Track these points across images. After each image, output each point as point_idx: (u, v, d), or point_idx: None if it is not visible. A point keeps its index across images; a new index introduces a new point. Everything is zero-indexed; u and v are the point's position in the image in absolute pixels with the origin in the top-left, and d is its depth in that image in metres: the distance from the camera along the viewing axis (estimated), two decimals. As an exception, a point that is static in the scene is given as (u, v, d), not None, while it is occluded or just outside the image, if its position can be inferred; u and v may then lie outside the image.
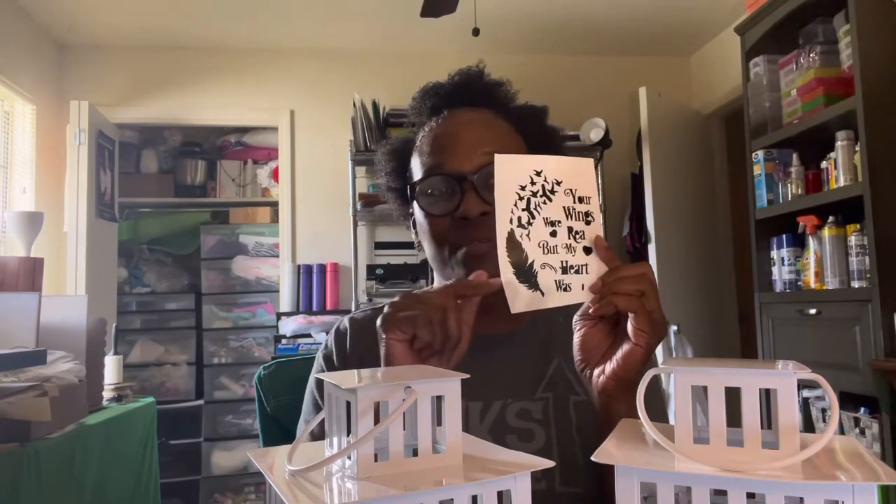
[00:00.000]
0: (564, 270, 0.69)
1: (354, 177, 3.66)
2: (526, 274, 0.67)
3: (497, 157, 0.68)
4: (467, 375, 0.48)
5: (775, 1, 2.59)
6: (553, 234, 0.69)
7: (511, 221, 0.67)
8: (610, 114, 3.79)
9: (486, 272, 0.71)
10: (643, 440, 0.50)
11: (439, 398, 0.47)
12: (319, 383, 0.90)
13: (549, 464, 0.45)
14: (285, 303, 3.76)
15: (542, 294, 0.68)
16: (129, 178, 4.12)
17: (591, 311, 0.71)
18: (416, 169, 0.93)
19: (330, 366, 0.93)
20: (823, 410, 2.46)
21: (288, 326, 3.48)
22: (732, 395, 0.46)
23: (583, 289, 0.70)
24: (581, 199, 0.71)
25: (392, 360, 0.70)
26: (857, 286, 2.24)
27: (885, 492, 1.96)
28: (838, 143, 2.31)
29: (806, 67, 2.47)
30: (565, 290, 0.69)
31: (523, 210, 0.68)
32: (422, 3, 2.77)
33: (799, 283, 2.53)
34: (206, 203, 4.34)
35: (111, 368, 2.34)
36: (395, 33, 3.78)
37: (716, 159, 3.96)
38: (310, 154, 3.92)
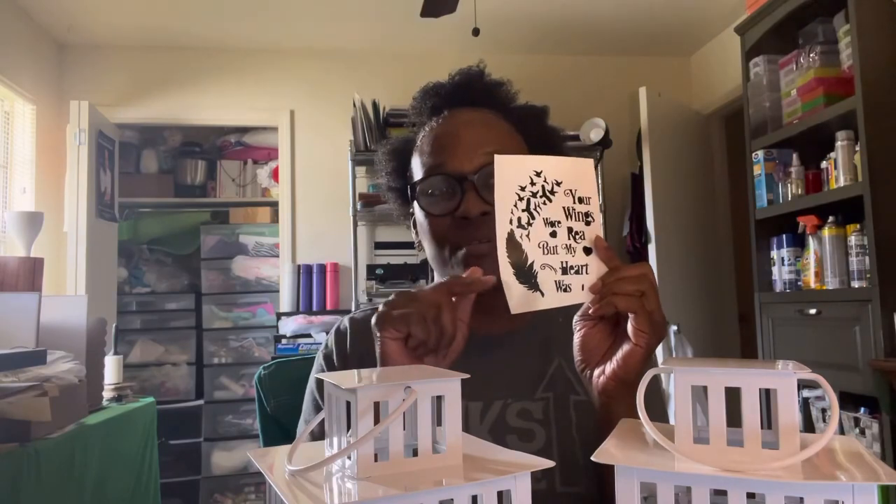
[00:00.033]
0: (564, 271, 0.69)
1: (354, 177, 3.66)
2: (526, 274, 0.67)
3: (497, 157, 0.68)
4: (467, 375, 0.48)
5: (775, 1, 2.59)
6: (553, 234, 0.69)
7: (511, 222, 0.67)
8: (610, 114, 3.79)
9: (480, 269, 0.72)
10: (643, 440, 0.50)
11: (439, 398, 0.47)
12: (320, 383, 0.90)
13: (549, 464, 0.45)
14: (285, 303, 3.76)
15: (542, 294, 0.68)
16: (129, 178, 4.12)
17: (591, 311, 0.71)
18: (417, 169, 0.93)
19: (330, 365, 0.93)
20: (823, 410, 2.46)
21: (288, 326, 3.48)
22: (732, 395, 0.46)
23: (583, 289, 0.70)
24: (581, 200, 0.71)
25: (387, 359, 0.70)
26: (857, 286, 2.24)
27: (885, 492, 1.96)
28: (838, 143, 2.31)
29: (806, 67, 2.47)
30: (565, 290, 0.69)
31: (523, 210, 0.68)
32: (422, 3, 2.77)
33: (799, 283, 2.53)
34: (206, 203, 4.34)
35: (111, 368, 2.34)
36: (395, 33, 3.78)
37: (716, 159, 3.96)
38: (310, 154, 3.92)
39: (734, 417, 0.45)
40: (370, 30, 3.74)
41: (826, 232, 2.36)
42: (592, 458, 0.45)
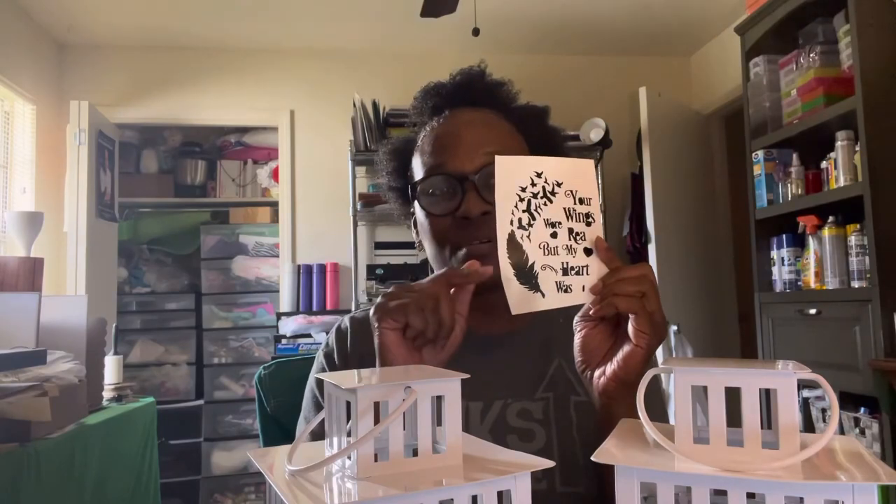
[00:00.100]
0: (565, 272, 0.69)
1: (354, 177, 3.66)
2: (526, 275, 0.67)
3: (497, 158, 0.68)
4: (467, 375, 0.48)
5: (775, 1, 2.59)
6: (553, 235, 0.69)
7: (512, 223, 0.67)
8: (610, 114, 3.79)
9: (478, 262, 0.72)
10: (643, 440, 0.50)
11: (439, 398, 0.47)
12: (320, 382, 0.90)
13: (550, 464, 0.45)
14: (285, 303, 3.76)
15: (543, 295, 0.68)
16: (129, 178, 4.12)
17: (591, 312, 0.71)
18: (418, 168, 0.93)
19: (331, 364, 0.93)
20: (823, 410, 2.46)
21: (288, 326, 3.48)
22: (732, 395, 0.46)
23: (583, 290, 0.70)
24: (581, 201, 0.71)
25: (385, 350, 0.70)
26: (857, 286, 2.24)
27: (885, 492, 1.96)
28: (838, 143, 2.31)
29: (806, 67, 2.47)
30: (566, 291, 0.69)
31: (524, 211, 0.68)
32: (422, 3, 2.77)
33: (799, 283, 2.53)
34: (206, 203, 4.34)
35: (111, 368, 2.34)
36: (395, 33, 3.78)
37: (716, 159, 3.96)
38: (310, 154, 3.92)
39: (734, 417, 0.45)
40: (370, 30, 3.74)
41: (826, 232, 2.36)
42: (592, 458, 0.45)
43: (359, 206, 3.60)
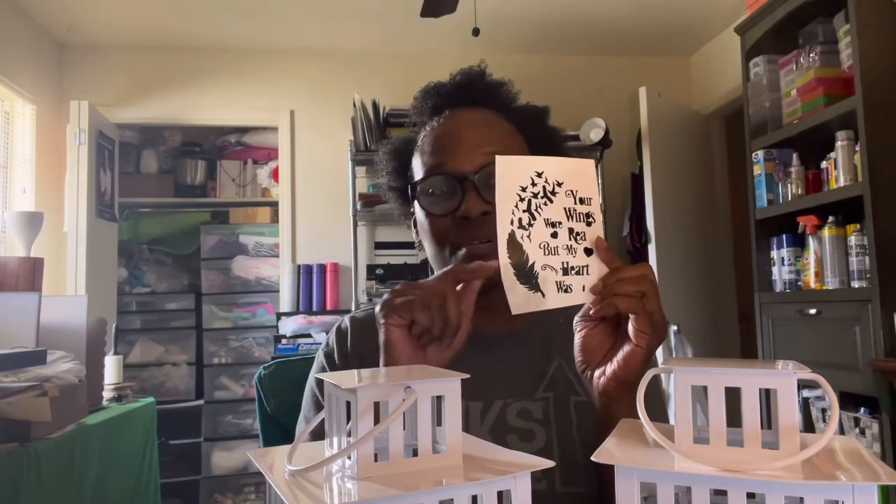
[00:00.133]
0: (565, 272, 0.69)
1: (354, 177, 3.66)
2: (527, 275, 0.67)
3: (498, 158, 0.68)
4: (467, 375, 0.48)
5: (775, 1, 2.59)
6: (554, 235, 0.69)
7: (512, 223, 0.67)
8: (610, 114, 3.79)
9: (481, 260, 0.72)
10: (643, 440, 0.50)
11: (439, 398, 0.47)
12: (320, 382, 0.90)
13: (550, 464, 0.45)
14: (285, 303, 3.76)
15: (543, 295, 0.68)
16: (129, 178, 4.12)
17: (591, 312, 0.71)
18: (418, 168, 0.93)
19: (331, 364, 0.93)
20: (823, 410, 2.46)
21: (288, 326, 3.48)
22: (732, 395, 0.46)
23: (583, 290, 0.70)
24: (582, 201, 0.71)
25: (390, 347, 0.70)
26: (857, 286, 2.24)
27: (885, 492, 1.96)
28: (838, 143, 2.31)
29: (806, 67, 2.47)
30: (566, 291, 0.69)
31: (524, 211, 0.68)
32: (422, 3, 2.77)
33: (799, 283, 2.53)
34: (206, 203, 4.34)
35: (111, 368, 2.34)
36: (395, 33, 3.78)
37: (716, 159, 3.96)
38: (310, 154, 3.92)
39: (734, 417, 0.45)
40: (370, 30, 3.74)
41: (826, 232, 2.36)
42: (592, 458, 0.45)
43: (359, 206, 3.60)
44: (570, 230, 0.70)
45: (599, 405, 0.74)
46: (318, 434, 0.51)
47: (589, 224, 0.71)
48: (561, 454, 0.84)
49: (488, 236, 0.83)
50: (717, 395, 0.46)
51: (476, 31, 2.79)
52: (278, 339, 3.42)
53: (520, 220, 0.68)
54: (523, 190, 0.68)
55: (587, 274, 0.70)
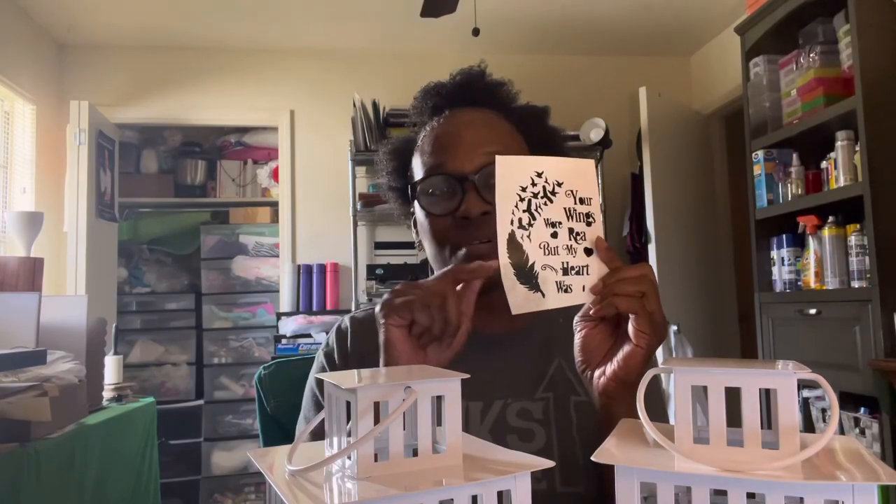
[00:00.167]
0: (565, 272, 0.69)
1: (354, 177, 3.67)
2: (527, 275, 0.67)
3: (498, 158, 0.68)
4: (467, 375, 0.48)
5: (775, 1, 2.59)
6: (554, 235, 0.69)
7: (512, 223, 0.67)
8: (610, 114, 3.79)
9: (481, 260, 0.72)
10: (643, 440, 0.50)
11: (439, 398, 0.47)
12: (320, 382, 0.90)
13: (550, 464, 0.45)
14: (285, 303, 3.76)
15: (543, 295, 0.68)
16: (129, 178, 4.12)
17: (591, 312, 0.71)
18: (418, 168, 0.93)
19: (331, 363, 0.93)
20: (823, 410, 2.46)
21: (288, 326, 3.48)
22: (732, 395, 0.46)
23: (583, 290, 0.70)
24: (582, 201, 0.71)
25: (390, 347, 0.70)
26: (857, 286, 2.24)
27: (885, 492, 1.96)
28: (838, 143, 2.31)
29: (806, 67, 2.47)
30: (566, 291, 0.69)
31: (524, 211, 0.68)
32: (422, 3, 2.77)
33: (799, 283, 2.53)
34: (206, 203, 4.34)
35: (111, 368, 2.34)
36: (395, 33, 3.78)
37: (716, 159, 3.96)
38: (310, 154, 3.92)
39: (734, 417, 0.45)
40: (370, 30, 3.74)
41: (826, 232, 2.36)
42: (592, 458, 0.45)
43: (359, 206, 3.60)
44: (570, 230, 0.70)
45: (599, 405, 0.74)
46: (318, 434, 0.51)
47: (589, 224, 0.71)
48: (561, 454, 0.84)
49: (488, 236, 0.83)
50: (717, 395, 0.46)
51: (476, 31, 2.80)
52: (278, 339, 3.42)
53: (520, 220, 0.68)
54: (523, 190, 0.68)
55: (587, 274, 0.70)
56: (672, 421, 0.48)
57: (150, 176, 4.27)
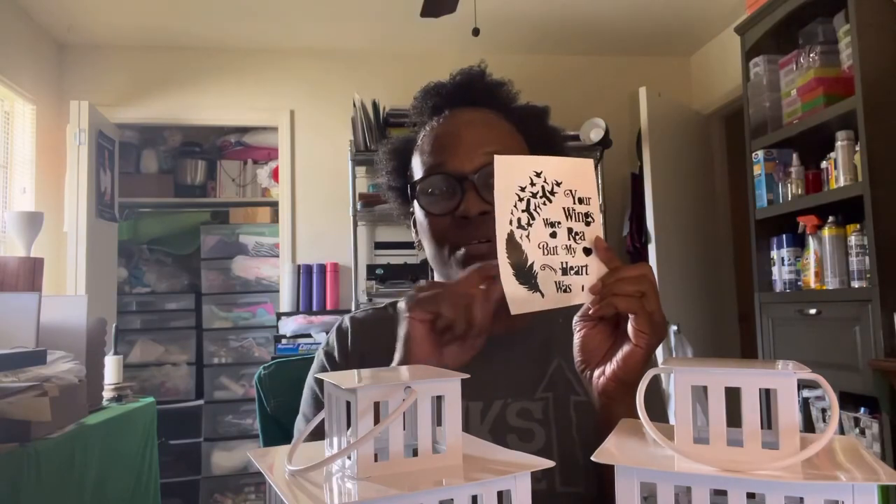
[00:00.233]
0: (564, 272, 0.69)
1: (354, 177, 3.67)
2: (526, 275, 0.67)
3: (497, 158, 0.68)
4: (467, 375, 0.48)
5: (775, 1, 2.59)
6: (553, 235, 0.69)
7: (511, 223, 0.67)
8: (610, 114, 3.79)
9: None
10: (643, 440, 0.50)
11: (439, 398, 0.47)
12: (321, 381, 0.90)
13: (550, 464, 0.45)
14: (285, 303, 3.76)
15: (542, 295, 0.68)
16: (129, 178, 4.12)
17: (591, 312, 0.71)
18: (417, 168, 0.93)
19: (331, 362, 0.93)
20: (823, 410, 2.46)
21: (288, 326, 3.48)
22: (732, 395, 0.46)
23: (583, 290, 0.70)
24: (581, 200, 0.71)
25: (411, 342, 0.69)
26: (857, 286, 2.24)
27: (885, 492, 1.96)
28: (838, 143, 2.31)
29: (806, 67, 2.47)
30: (565, 291, 0.69)
31: (523, 211, 0.68)
32: (422, 3, 2.77)
33: (799, 283, 2.53)
34: (206, 203, 4.34)
35: (111, 368, 2.34)
36: (395, 33, 3.78)
37: (716, 159, 3.96)
38: (310, 154, 3.92)
39: (734, 417, 0.45)
40: (370, 30, 3.74)
41: (826, 232, 2.36)
42: (593, 458, 0.45)
43: (359, 206, 3.60)
44: (569, 230, 0.70)
45: (599, 405, 0.73)
46: (318, 434, 0.51)
47: (588, 224, 0.71)
48: (561, 454, 0.83)
49: (487, 236, 0.83)
50: (717, 395, 0.45)
51: (476, 31, 2.80)
52: (278, 339, 3.42)
53: (519, 219, 0.67)
54: (522, 190, 0.68)
55: (586, 274, 0.70)
56: (672, 421, 0.48)
57: (150, 176, 4.27)
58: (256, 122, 4.05)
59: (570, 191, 0.70)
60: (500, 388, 0.87)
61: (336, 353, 0.93)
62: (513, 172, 0.68)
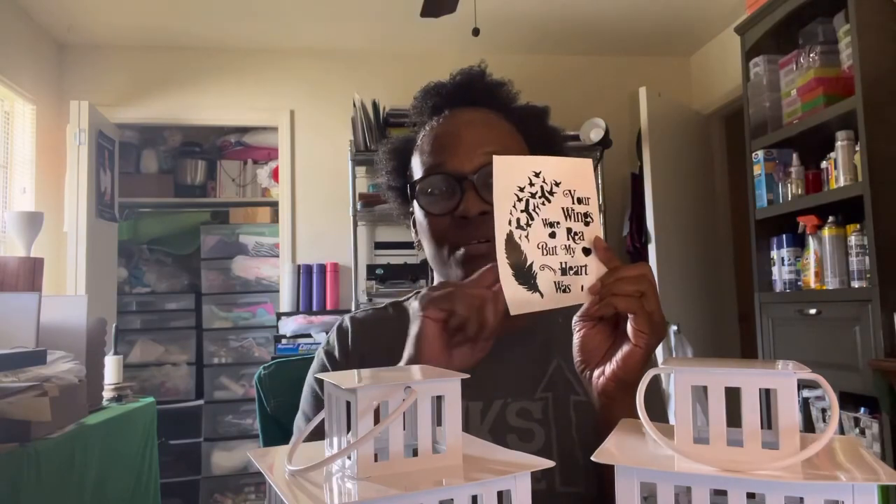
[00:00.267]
0: (563, 272, 0.69)
1: (354, 177, 3.67)
2: (525, 275, 0.67)
3: (496, 158, 0.68)
4: (467, 375, 0.48)
5: (775, 1, 2.59)
6: (552, 235, 0.69)
7: (510, 223, 0.67)
8: (610, 114, 3.79)
9: None
10: (643, 440, 0.50)
11: (439, 398, 0.47)
12: (321, 381, 0.90)
13: (549, 464, 0.45)
14: (285, 303, 3.76)
15: (542, 296, 0.68)
16: (129, 178, 4.12)
17: (590, 312, 0.71)
18: (417, 168, 0.93)
19: (332, 361, 0.93)
20: (823, 410, 2.46)
21: (288, 326, 3.48)
22: (732, 395, 0.46)
23: (582, 290, 0.69)
24: (580, 200, 0.71)
25: (422, 340, 0.69)
26: (857, 286, 2.24)
27: (885, 492, 1.96)
28: (838, 143, 2.31)
29: (806, 67, 2.47)
30: (564, 291, 0.69)
31: (522, 211, 0.68)
32: (422, 3, 2.77)
33: (799, 283, 2.53)
34: (206, 203, 4.34)
35: (111, 368, 2.34)
36: (395, 33, 3.78)
37: (716, 159, 3.96)
38: (310, 154, 3.92)
39: (734, 417, 0.45)
40: (370, 30, 3.74)
41: (826, 232, 2.36)
42: (593, 458, 0.45)
43: (359, 206, 3.60)
44: (569, 230, 0.69)
45: (599, 405, 0.73)
46: (318, 434, 0.51)
47: (587, 224, 0.71)
48: (560, 454, 0.83)
49: (487, 236, 0.83)
50: (717, 395, 0.45)
51: (476, 31, 2.80)
52: (278, 339, 3.42)
53: (518, 220, 0.67)
54: (521, 190, 0.68)
55: (585, 274, 0.70)
56: (672, 421, 0.48)
57: (150, 176, 4.27)
58: (256, 122, 4.05)
59: (569, 191, 0.70)
60: (499, 388, 0.87)
61: (337, 353, 0.94)
62: (512, 172, 0.68)
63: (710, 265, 3.77)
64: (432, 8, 2.79)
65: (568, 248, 0.69)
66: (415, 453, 0.46)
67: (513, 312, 0.66)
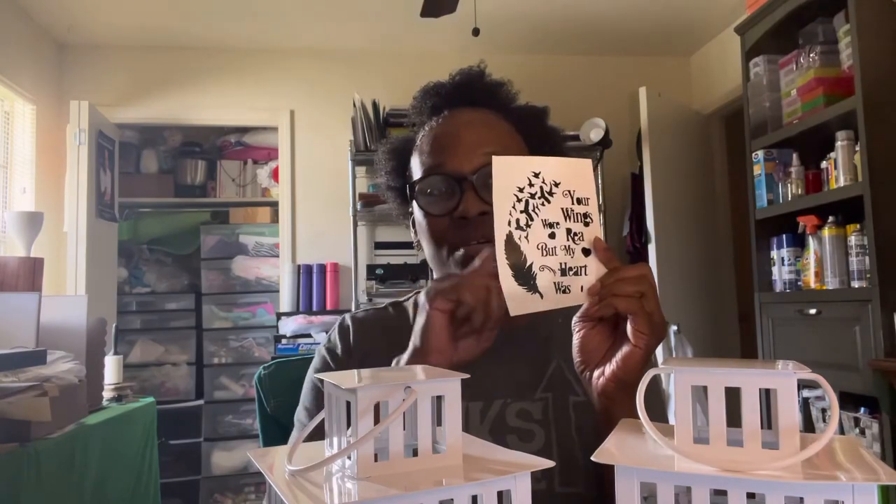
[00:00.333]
0: (563, 272, 0.69)
1: (354, 177, 3.67)
2: (524, 276, 0.67)
3: (495, 158, 0.68)
4: (467, 375, 0.48)
5: (775, 1, 2.59)
6: (552, 235, 0.69)
7: (509, 223, 0.67)
8: (610, 114, 3.79)
9: None
10: (643, 440, 0.50)
11: (439, 398, 0.47)
12: (322, 379, 0.90)
13: (549, 464, 0.45)
14: (285, 303, 3.76)
15: (541, 296, 0.68)
16: (129, 178, 4.12)
17: (590, 312, 0.71)
18: (416, 168, 0.93)
19: (334, 358, 0.93)
20: (823, 410, 2.46)
21: (288, 326, 3.48)
22: (732, 395, 0.46)
23: (581, 290, 0.69)
24: (579, 201, 0.71)
25: (429, 331, 0.70)
26: (857, 286, 2.24)
27: (885, 492, 1.96)
28: (838, 143, 2.31)
29: (806, 67, 2.47)
30: (564, 291, 0.69)
31: (521, 212, 0.68)
32: (422, 3, 2.77)
33: (799, 283, 2.53)
34: (206, 203, 4.34)
35: (111, 368, 2.34)
36: (395, 33, 3.78)
37: (716, 159, 3.96)
38: (310, 154, 3.92)
39: (734, 417, 0.45)
40: (370, 30, 3.74)
41: (826, 232, 2.36)
42: (592, 458, 0.45)
43: (359, 206, 3.60)
44: (568, 230, 0.69)
45: (598, 406, 0.73)
46: (318, 433, 0.51)
47: (587, 224, 0.71)
48: (560, 454, 0.83)
49: (486, 236, 0.83)
50: (717, 395, 0.45)
51: (476, 31, 2.80)
52: (278, 339, 3.42)
53: (517, 220, 0.67)
54: (521, 190, 0.68)
55: (585, 274, 0.70)
56: (672, 421, 0.48)
57: (150, 176, 4.27)
58: (256, 122, 4.05)
59: (569, 191, 0.70)
60: (499, 389, 0.87)
61: (339, 350, 0.94)
62: (511, 173, 0.68)
63: (710, 265, 3.77)
64: (432, 8, 2.79)
65: (567, 249, 0.69)
66: (415, 453, 0.46)
67: (512, 313, 0.66)
